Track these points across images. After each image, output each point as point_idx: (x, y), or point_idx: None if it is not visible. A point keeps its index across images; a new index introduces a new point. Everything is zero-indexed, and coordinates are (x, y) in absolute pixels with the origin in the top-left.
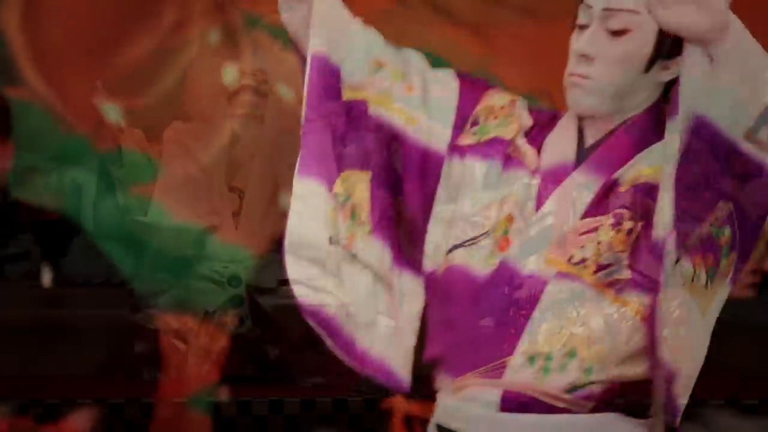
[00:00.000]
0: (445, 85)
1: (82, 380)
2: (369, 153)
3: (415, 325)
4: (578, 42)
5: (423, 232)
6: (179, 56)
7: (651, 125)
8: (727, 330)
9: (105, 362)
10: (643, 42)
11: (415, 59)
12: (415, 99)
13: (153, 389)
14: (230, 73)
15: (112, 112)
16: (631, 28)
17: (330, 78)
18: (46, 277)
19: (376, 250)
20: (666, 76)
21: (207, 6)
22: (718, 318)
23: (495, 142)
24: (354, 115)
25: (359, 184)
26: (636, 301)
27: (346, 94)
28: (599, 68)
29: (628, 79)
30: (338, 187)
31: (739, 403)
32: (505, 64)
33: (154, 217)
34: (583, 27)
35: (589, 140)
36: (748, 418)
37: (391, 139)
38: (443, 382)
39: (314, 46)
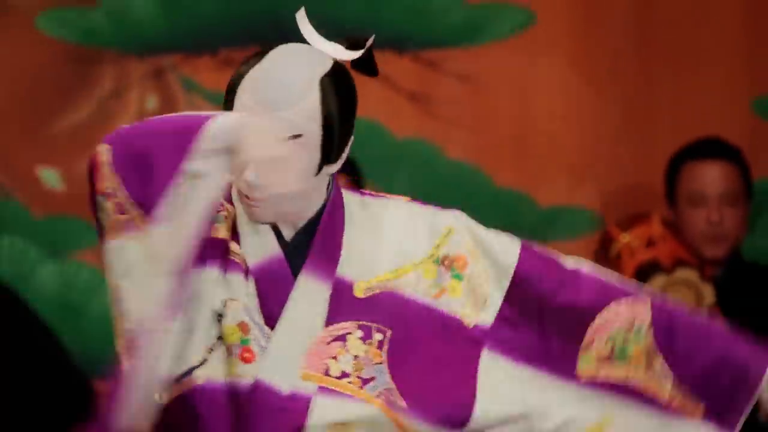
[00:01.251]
0: None
1: None
2: None
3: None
4: (246, 174)
5: None
6: (118, 122)
7: (339, 209)
8: None
9: None
10: (311, 155)
11: None
12: None
13: None
14: None
15: (51, 178)
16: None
17: None
18: None
19: None
20: (335, 168)
21: (146, 72)
22: None
23: (211, 241)
24: None
25: None
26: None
27: None
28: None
29: (300, 190)
30: None
31: None
32: (445, 132)
33: (94, 283)
34: None
35: (286, 230)
36: None
37: None
38: None
39: None
